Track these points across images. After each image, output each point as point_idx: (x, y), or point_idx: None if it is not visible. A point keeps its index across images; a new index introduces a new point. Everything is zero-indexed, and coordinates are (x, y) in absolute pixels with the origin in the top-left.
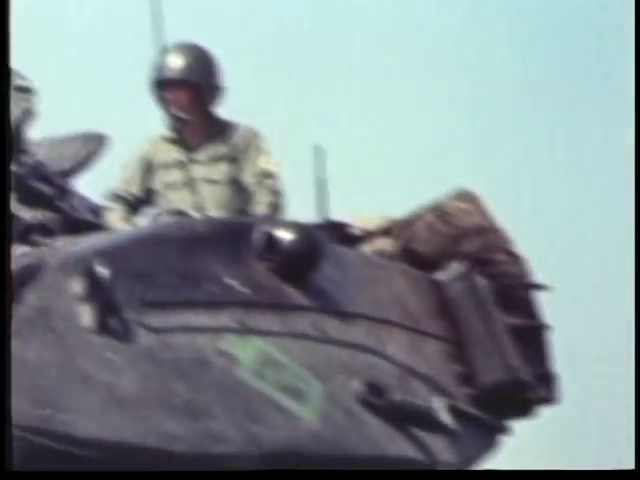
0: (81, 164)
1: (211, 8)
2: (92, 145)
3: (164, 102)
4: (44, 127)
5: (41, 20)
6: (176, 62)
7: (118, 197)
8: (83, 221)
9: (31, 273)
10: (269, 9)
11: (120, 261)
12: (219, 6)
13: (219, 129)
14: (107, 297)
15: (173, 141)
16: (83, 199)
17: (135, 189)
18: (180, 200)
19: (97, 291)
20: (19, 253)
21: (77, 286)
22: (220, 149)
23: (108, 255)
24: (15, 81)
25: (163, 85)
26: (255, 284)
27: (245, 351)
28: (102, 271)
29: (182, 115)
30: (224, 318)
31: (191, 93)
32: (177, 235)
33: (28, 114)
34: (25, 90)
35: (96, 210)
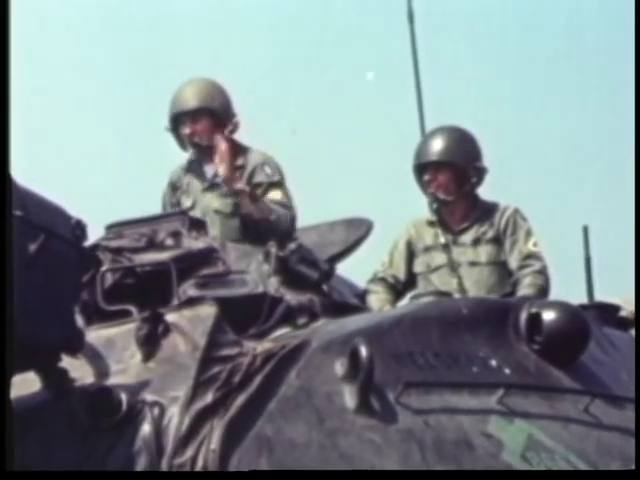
0: (348, 250)
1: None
2: (359, 231)
3: (425, 184)
4: (308, 213)
5: None
6: (437, 144)
7: (383, 281)
8: (347, 305)
9: (294, 353)
10: None
11: (380, 341)
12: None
13: (481, 210)
14: (368, 377)
15: (436, 224)
16: (348, 284)
17: (401, 274)
18: (442, 283)
19: (359, 371)
20: (280, 335)
21: (340, 367)
22: (483, 231)
23: (369, 335)
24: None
25: (424, 168)
26: (518, 365)
27: (510, 434)
28: (364, 351)
29: (442, 197)
30: (488, 400)
31: (451, 174)
32: (437, 315)
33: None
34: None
35: (361, 295)
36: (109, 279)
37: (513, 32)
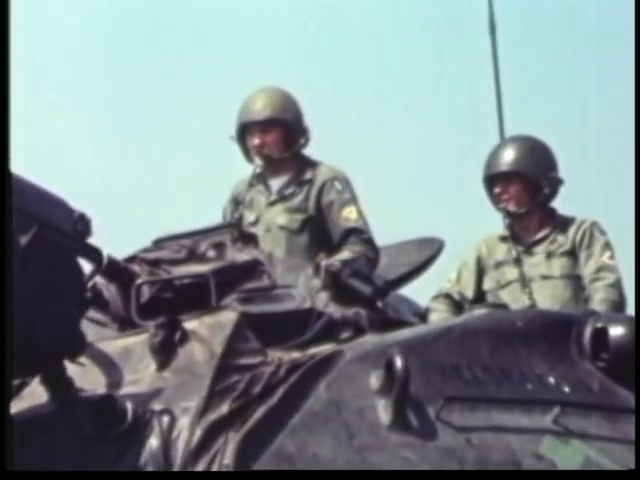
0: (417, 270)
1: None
2: (429, 251)
3: (496, 197)
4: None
5: None
6: (507, 155)
7: (447, 298)
8: (401, 321)
9: (324, 364)
10: None
11: (422, 353)
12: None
13: (556, 223)
14: (404, 390)
15: (508, 239)
16: (409, 303)
17: (469, 291)
18: (512, 298)
19: (395, 385)
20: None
21: (375, 379)
22: (558, 243)
23: (409, 347)
24: None
25: (494, 180)
26: (580, 383)
27: (565, 455)
28: (399, 362)
29: (514, 209)
30: (542, 419)
31: (523, 186)
32: (489, 327)
33: None
34: None
35: (422, 315)
36: (146, 293)
37: (596, 41)
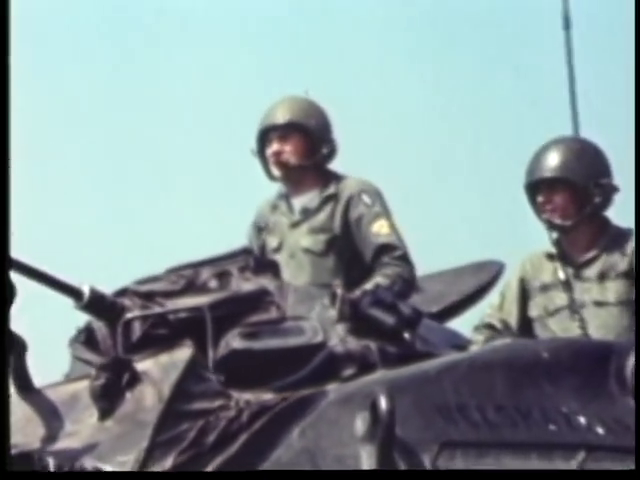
0: (472, 298)
1: None
2: (487, 276)
3: (539, 207)
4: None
5: None
6: (551, 159)
7: (489, 328)
8: (427, 354)
9: (299, 406)
10: None
11: (421, 391)
12: None
13: (610, 237)
14: (388, 435)
15: (555, 257)
16: (452, 334)
17: (512, 318)
18: (561, 328)
19: (381, 429)
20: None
21: (361, 424)
22: (613, 262)
23: (405, 385)
24: None
25: (537, 187)
26: (619, 424)
27: None
28: (383, 403)
29: (559, 221)
30: (565, 465)
31: (569, 194)
32: (505, 360)
33: None
34: None
35: (463, 346)
36: (137, 329)
37: None
